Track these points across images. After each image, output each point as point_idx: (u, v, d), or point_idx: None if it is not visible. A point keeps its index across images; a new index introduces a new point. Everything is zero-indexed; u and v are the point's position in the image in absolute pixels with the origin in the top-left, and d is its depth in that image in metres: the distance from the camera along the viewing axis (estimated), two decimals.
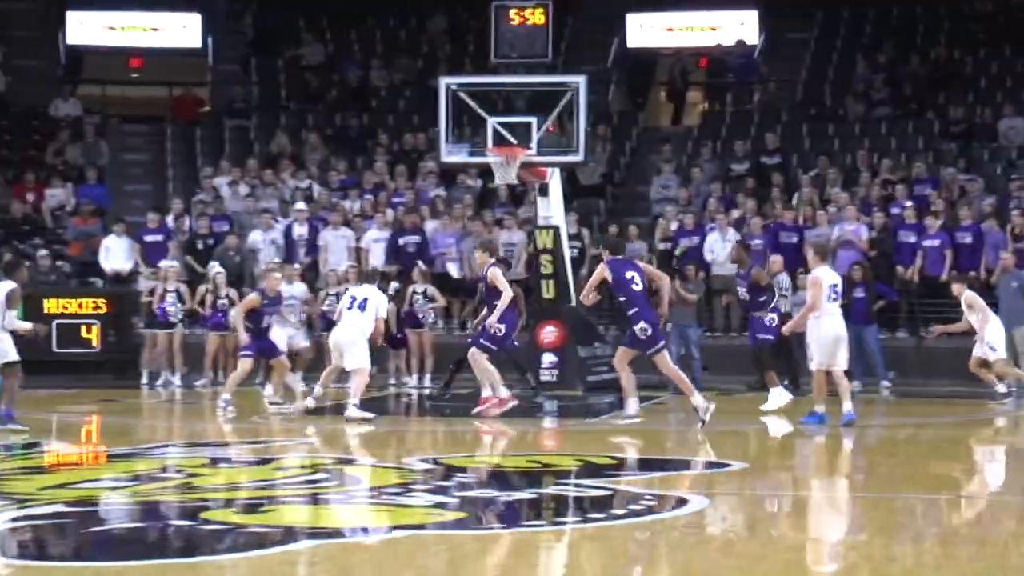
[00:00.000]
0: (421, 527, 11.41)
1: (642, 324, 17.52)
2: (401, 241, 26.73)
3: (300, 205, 27.69)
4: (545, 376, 22.99)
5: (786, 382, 21.01)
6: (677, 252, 25.97)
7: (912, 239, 25.85)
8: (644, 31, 34.67)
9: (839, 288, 18.42)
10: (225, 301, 23.91)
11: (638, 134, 33.20)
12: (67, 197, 30.89)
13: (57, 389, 23.13)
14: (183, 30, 35.76)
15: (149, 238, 27.50)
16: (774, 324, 20.84)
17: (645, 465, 15.32)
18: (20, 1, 36.53)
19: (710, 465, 15.58)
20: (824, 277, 17.99)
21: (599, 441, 17.34)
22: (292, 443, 17.41)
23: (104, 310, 25.80)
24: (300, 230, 26.58)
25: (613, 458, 15.54)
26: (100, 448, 17.44)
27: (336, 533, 11.39)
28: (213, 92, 36.24)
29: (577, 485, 13.74)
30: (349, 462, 15.11)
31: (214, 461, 15.79)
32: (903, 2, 34.57)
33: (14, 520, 11.85)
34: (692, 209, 27.17)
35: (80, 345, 26.00)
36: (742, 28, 34.27)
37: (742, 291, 21.74)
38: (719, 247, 24.97)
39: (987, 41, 33.34)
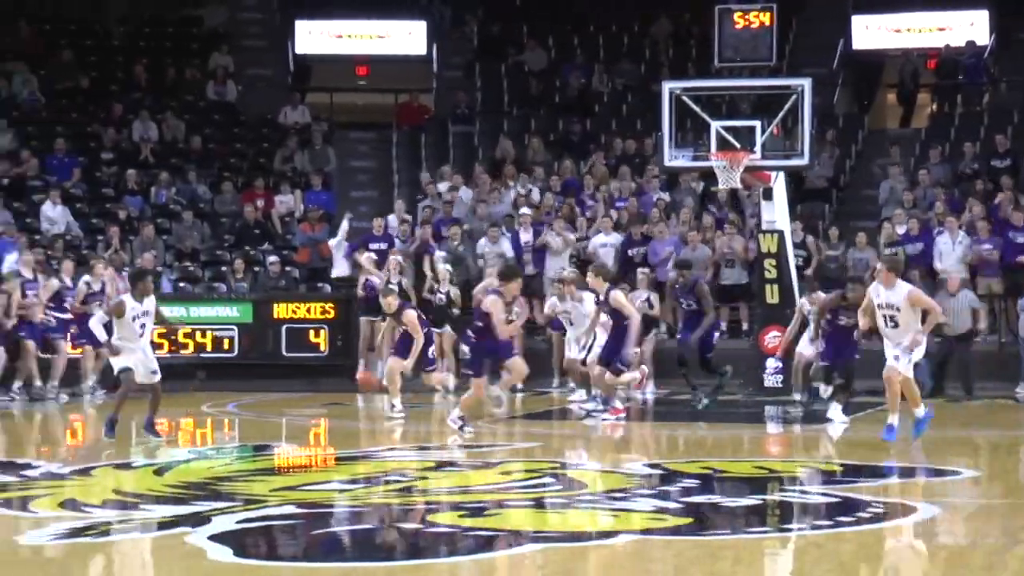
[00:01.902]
0: (645, 532, 11.42)
1: None
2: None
3: (524, 210, 27.90)
4: (769, 382, 22.95)
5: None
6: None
7: None
8: (870, 32, 34.20)
9: None
10: (442, 297, 24.26)
11: (864, 137, 32.71)
12: (295, 203, 31.33)
13: (286, 393, 23.68)
14: (408, 37, 36.22)
15: (374, 246, 27.81)
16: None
17: (872, 472, 15.14)
18: (249, 12, 37.41)
19: (940, 472, 15.35)
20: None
21: (825, 447, 17.18)
22: (517, 447, 17.48)
23: (331, 315, 26.20)
24: (526, 236, 26.75)
25: (840, 464, 15.41)
26: (329, 451, 17.69)
27: (561, 537, 11.42)
28: (438, 98, 36.54)
29: (803, 491, 13.65)
30: (573, 466, 15.12)
31: (440, 465, 15.94)
32: None
33: (248, 520, 12.13)
34: (918, 212, 26.70)
35: (308, 349, 26.43)
36: (972, 28, 33.47)
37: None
38: (948, 250, 24.54)
39: None
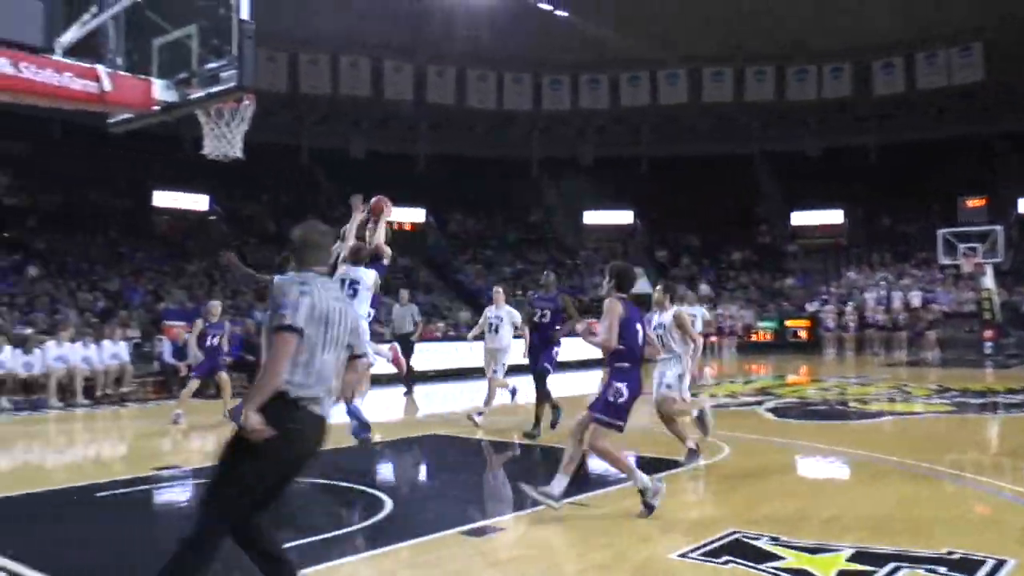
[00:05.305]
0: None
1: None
2: None
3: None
4: None
5: None
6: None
7: None
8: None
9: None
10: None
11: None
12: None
13: (784, 359, 26.01)
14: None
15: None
16: None
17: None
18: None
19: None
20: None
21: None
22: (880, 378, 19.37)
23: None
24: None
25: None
26: (808, 377, 19.78)
27: (900, 413, 12.99)
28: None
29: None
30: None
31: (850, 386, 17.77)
32: None
33: (779, 403, 14.39)
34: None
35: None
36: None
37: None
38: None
39: None
